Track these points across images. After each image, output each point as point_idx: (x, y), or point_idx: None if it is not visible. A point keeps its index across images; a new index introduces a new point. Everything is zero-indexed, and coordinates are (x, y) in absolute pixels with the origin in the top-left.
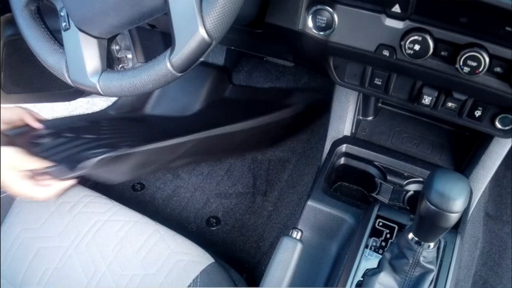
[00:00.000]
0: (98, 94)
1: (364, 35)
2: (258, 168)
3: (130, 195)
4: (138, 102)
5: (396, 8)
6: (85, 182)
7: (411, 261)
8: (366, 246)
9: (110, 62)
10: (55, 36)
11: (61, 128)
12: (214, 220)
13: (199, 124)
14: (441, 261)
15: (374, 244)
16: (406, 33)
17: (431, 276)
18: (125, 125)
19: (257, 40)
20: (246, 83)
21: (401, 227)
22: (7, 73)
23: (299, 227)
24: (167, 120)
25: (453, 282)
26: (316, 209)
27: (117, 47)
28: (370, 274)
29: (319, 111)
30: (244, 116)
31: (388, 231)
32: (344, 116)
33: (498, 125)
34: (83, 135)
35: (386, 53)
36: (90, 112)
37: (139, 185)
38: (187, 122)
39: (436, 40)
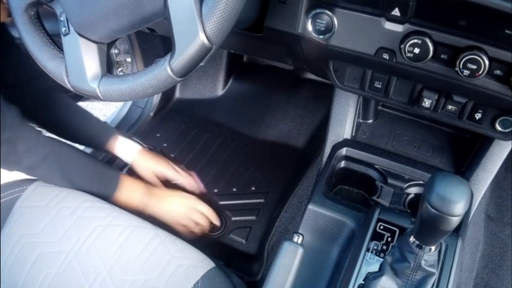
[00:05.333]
0: (98, 99)
1: (364, 39)
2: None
3: None
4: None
5: (396, 12)
6: None
7: (412, 265)
8: (367, 250)
9: (109, 65)
10: (55, 41)
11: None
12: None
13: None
14: (443, 264)
15: (375, 247)
16: (406, 36)
17: (433, 279)
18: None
19: (256, 44)
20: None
21: (402, 230)
22: None
23: (300, 231)
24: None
25: (455, 285)
26: (317, 213)
27: (116, 51)
28: (372, 277)
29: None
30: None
31: (389, 234)
32: (344, 119)
33: (498, 127)
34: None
35: (386, 56)
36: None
37: None
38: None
39: (435, 43)
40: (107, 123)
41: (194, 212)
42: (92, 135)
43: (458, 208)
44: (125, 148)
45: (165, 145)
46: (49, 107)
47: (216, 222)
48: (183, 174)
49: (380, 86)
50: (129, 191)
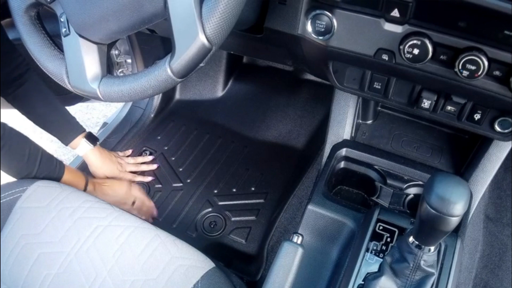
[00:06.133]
0: (98, 99)
1: (363, 40)
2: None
3: None
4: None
5: (395, 13)
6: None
7: (411, 265)
8: (367, 250)
9: (109, 66)
10: (55, 42)
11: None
12: (214, 224)
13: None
14: (442, 264)
15: (375, 248)
16: (405, 37)
17: (432, 279)
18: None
19: (256, 45)
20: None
21: (402, 230)
22: None
23: (299, 231)
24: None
25: (454, 285)
26: (316, 213)
27: (117, 52)
28: (371, 278)
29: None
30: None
31: (388, 235)
32: (344, 120)
33: (497, 128)
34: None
35: (385, 57)
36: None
37: None
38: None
39: (435, 44)
40: (76, 120)
41: (129, 196)
42: (57, 125)
43: (457, 209)
44: (81, 146)
45: (166, 148)
46: (21, 84)
47: (149, 203)
48: (126, 173)
49: (379, 87)
50: (71, 177)
